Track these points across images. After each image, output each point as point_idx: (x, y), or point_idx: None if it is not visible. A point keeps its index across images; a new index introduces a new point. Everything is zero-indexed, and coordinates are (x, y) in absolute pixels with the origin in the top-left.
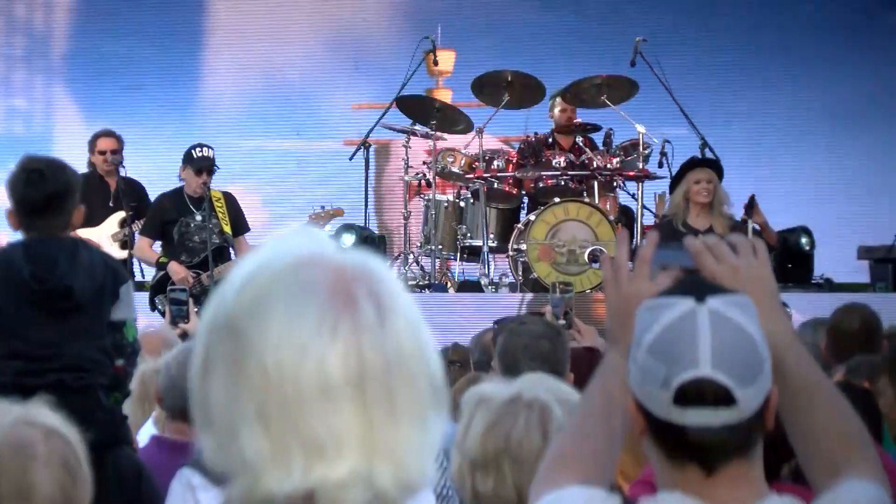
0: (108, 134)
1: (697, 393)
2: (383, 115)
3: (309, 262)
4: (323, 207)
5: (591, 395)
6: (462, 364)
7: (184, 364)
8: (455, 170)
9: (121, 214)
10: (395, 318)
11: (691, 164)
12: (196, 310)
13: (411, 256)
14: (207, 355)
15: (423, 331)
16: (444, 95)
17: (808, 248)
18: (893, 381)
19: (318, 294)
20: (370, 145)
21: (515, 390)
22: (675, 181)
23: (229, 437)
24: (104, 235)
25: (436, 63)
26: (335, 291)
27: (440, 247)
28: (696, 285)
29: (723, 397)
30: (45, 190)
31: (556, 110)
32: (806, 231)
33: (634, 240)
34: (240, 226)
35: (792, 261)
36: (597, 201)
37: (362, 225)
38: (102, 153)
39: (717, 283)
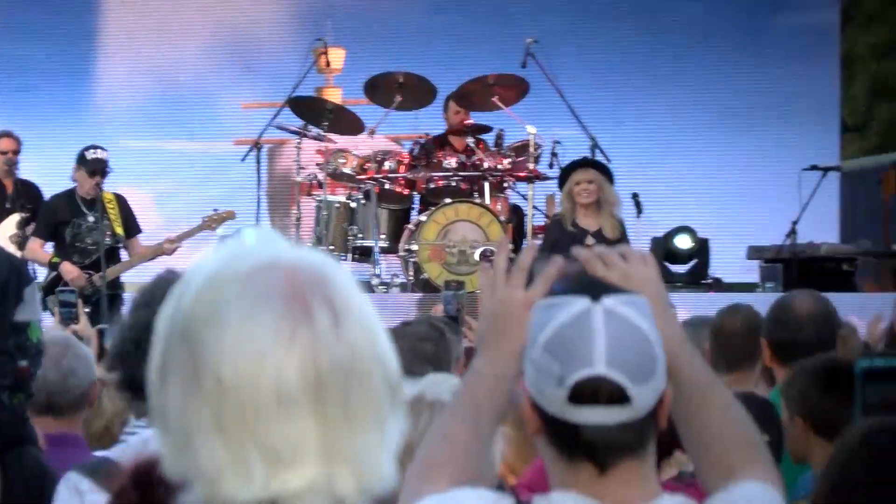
0: (7, 135)
1: (592, 391)
2: (275, 115)
3: (264, 267)
4: (216, 210)
5: (459, 400)
6: None
7: (50, 358)
8: (347, 171)
9: (18, 216)
10: (350, 323)
11: (574, 166)
12: (87, 310)
13: None
14: (164, 361)
15: (379, 333)
16: (334, 93)
17: (689, 247)
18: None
19: (273, 301)
20: (262, 146)
21: (418, 391)
22: (561, 181)
23: (186, 443)
24: (2, 236)
25: (328, 64)
26: (291, 298)
27: (332, 248)
28: (591, 284)
29: (617, 396)
30: None
31: (450, 112)
32: (689, 230)
33: (524, 241)
34: (132, 227)
35: (673, 260)
36: (487, 202)
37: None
38: (4, 153)
39: (612, 283)
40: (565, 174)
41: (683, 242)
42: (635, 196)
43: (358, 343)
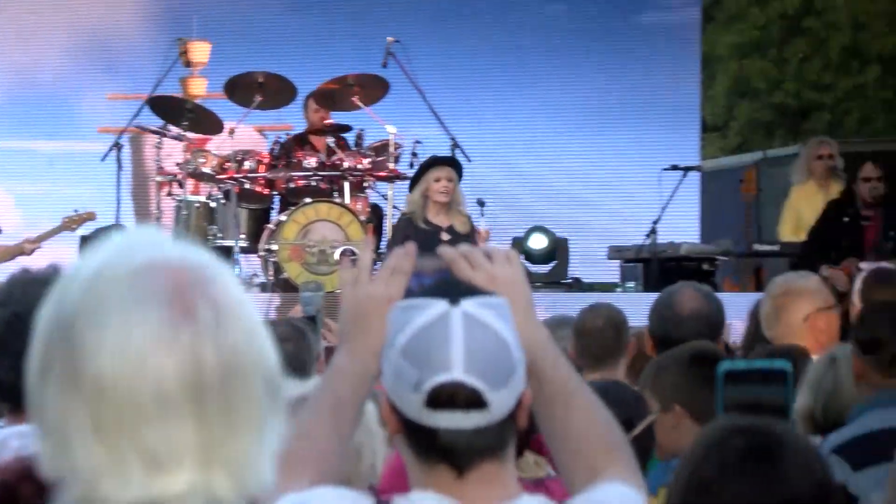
0: None
1: (449, 396)
2: (136, 115)
3: (147, 267)
4: (76, 210)
5: (320, 396)
6: None
7: None
8: (207, 170)
9: None
10: (232, 324)
11: (432, 162)
12: None
13: None
14: (44, 361)
15: (261, 333)
16: (199, 84)
17: (543, 247)
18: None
19: (155, 302)
20: (122, 146)
21: (303, 390)
22: (416, 179)
23: (64, 444)
24: None
25: (188, 64)
26: (173, 299)
27: None
28: (450, 287)
29: (474, 401)
30: None
31: (310, 111)
32: (543, 230)
33: (384, 240)
34: None
35: (528, 260)
36: (348, 202)
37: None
38: None
39: (472, 284)
40: (422, 170)
41: (538, 242)
42: (480, 202)
43: (240, 344)
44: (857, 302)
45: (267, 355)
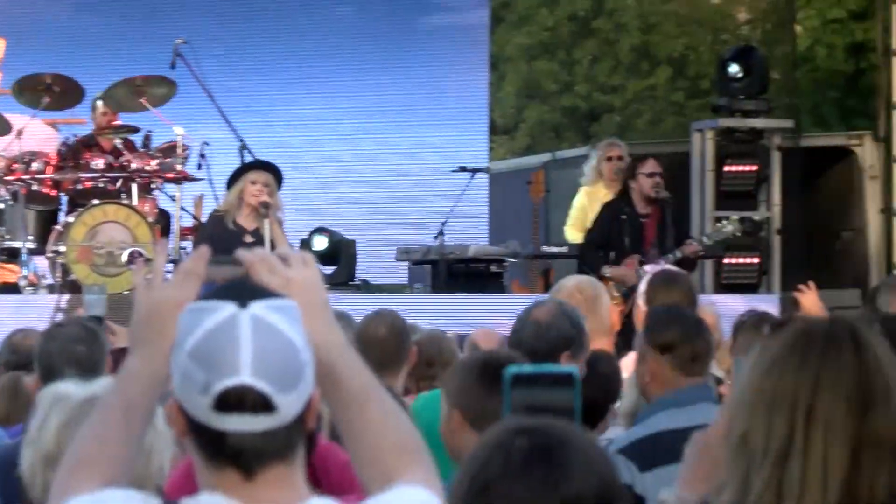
0: None
1: (237, 400)
2: None
3: None
4: None
5: (111, 398)
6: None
7: None
8: None
9: None
10: None
11: (250, 165)
12: None
13: None
14: None
15: None
16: None
17: (324, 249)
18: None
19: None
20: None
21: (92, 391)
22: (233, 179)
23: None
24: None
25: None
26: None
27: None
28: (239, 289)
29: (262, 404)
30: None
31: (97, 113)
32: (325, 231)
33: (171, 242)
34: None
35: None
36: (136, 203)
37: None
38: None
39: (261, 286)
40: (241, 171)
41: (319, 244)
42: (265, 204)
43: None
44: (641, 304)
45: None
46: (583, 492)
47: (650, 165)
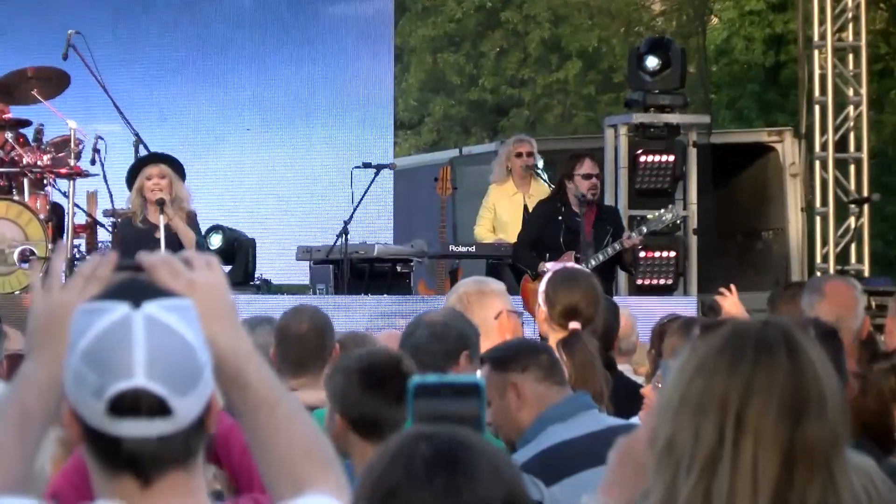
0: None
1: (132, 404)
2: None
3: None
4: None
5: (7, 403)
6: None
7: None
8: None
9: None
10: None
11: (141, 160)
12: None
13: None
14: None
15: None
16: None
17: (219, 247)
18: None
19: None
20: None
21: None
22: (131, 178)
23: None
24: None
25: None
26: None
27: None
28: (133, 289)
29: (158, 408)
30: None
31: None
32: (220, 230)
33: (65, 238)
34: None
35: None
36: (27, 199)
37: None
38: None
39: (156, 285)
40: (135, 169)
41: (214, 242)
42: (160, 201)
43: None
44: (542, 304)
45: None
46: (488, 499)
47: (587, 166)
